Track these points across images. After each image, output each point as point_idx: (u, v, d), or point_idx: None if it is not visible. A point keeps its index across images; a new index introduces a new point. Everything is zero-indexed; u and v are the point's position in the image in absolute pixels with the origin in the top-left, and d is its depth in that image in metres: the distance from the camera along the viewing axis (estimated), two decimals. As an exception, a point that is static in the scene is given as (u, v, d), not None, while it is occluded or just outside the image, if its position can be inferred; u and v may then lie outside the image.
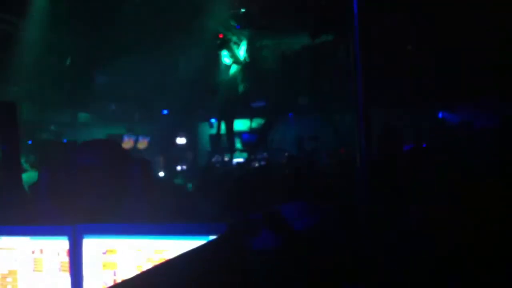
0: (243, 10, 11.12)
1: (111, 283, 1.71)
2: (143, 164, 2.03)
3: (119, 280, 1.70)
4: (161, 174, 9.53)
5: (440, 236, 1.27)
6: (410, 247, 1.30)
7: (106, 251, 1.73)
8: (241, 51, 12.16)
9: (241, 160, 10.87)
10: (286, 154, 8.92)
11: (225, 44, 11.83)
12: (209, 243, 1.44)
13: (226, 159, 11.43)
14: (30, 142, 8.31)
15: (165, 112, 12.96)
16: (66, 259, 1.78)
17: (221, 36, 11.74)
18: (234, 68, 12.24)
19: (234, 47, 11.92)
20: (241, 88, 11.65)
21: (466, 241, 1.22)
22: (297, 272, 1.29)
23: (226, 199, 2.93)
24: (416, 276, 1.20)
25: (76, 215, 1.88)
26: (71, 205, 1.97)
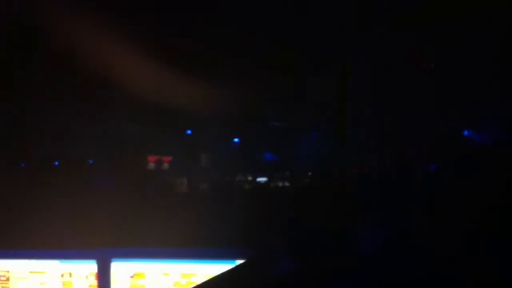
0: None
1: (139, 307, 1.72)
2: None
3: (146, 304, 1.71)
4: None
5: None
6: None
7: (134, 274, 1.75)
8: None
9: (264, 179, 10.86)
10: (310, 173, 8.87)
11: None
12: (233, 269, 1.45)
13: (250, 178, 11.42)
14: (57, 163, 8.28)
15: (189, 132, 13.07)
16: (94, 282, 1.80)
17: None
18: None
19: None
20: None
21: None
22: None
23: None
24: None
25: (105, 238, 1.90)
26: (100, 229, 2.00)
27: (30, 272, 1.89)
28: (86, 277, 1.82)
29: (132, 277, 1.74)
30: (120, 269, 1.76)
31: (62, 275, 1.85)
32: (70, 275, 1.84)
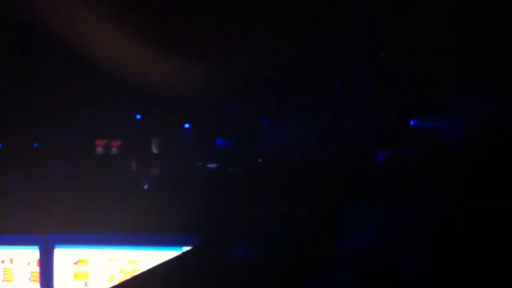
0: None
1: (83, 294, 1.69)
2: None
3: (90, 291, 1.68)
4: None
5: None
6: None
7: (78, 261, 1.71)
8: None
9: (214, 165, 10.81)
10: (260, 160, 8.91)
11: None
12: (184, 254, 1.44)
13: (200, 164, 11.37)
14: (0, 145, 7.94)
15: (139, 116, 12.87)
16: (36, 269, 1.76)
17: None
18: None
19: None
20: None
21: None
22: (271, 284, 1.29)
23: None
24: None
25: (48, 224, 1.85)
26: (43, 215, 1.95)
27: (-31, 258, 1.83)
28: (28, 263, 1.78)
29: (75, 263, 1.71)
30: (63, 255, 1.73)
31: (2, 261, 1.80)
32: (11, 261, 1.79)
